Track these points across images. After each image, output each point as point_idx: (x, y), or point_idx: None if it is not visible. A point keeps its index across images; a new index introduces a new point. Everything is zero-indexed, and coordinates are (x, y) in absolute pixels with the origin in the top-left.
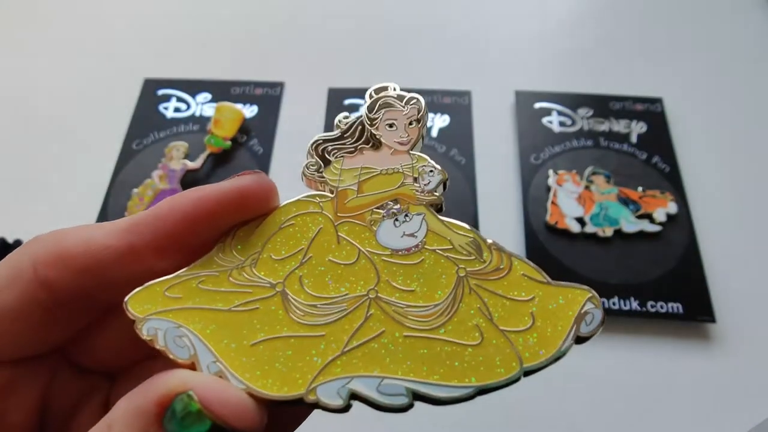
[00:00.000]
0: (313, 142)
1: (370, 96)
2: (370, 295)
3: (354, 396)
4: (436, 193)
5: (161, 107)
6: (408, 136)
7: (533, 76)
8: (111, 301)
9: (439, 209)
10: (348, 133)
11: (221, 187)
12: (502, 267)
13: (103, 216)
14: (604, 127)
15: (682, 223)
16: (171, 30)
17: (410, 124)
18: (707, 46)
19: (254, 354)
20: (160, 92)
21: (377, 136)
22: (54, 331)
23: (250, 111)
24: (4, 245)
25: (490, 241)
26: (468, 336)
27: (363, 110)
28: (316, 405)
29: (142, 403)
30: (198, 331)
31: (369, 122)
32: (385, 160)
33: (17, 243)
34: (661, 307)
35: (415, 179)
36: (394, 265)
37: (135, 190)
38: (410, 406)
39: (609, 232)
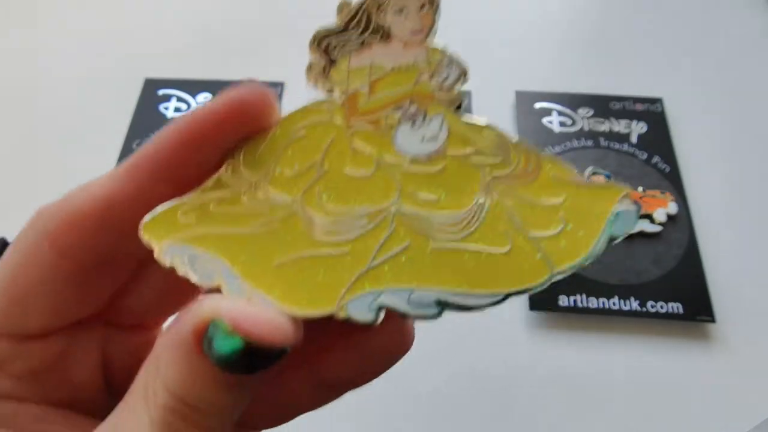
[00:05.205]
0: (315, 38)
1: None
2: (392, 208)
3: (384, 308)
4: (456, 89)
5: (161, 107)
6: (421, 23)
7: (533, 76)
8: (138, 254)
9: (459, 107)
10: (353, 24)
11: (215, 106)
12: (530, 169)
13: None
14: (604, 127)
15: (682, 223)
16: (171, 30)
17: (422, 7)
18: (707, 46)
19: (279, 274)
20: (161, 92)
21: (386, 26)
22: (91, 294)
23: None
24: (4, 245)
25: (516, 139)
26: (496, 244)
27: None
28: (348, 321)
29: (179, 335)
30: (220, 255)
31: (375, 7)
32: (397, 54)
33: None
34: (661, 307)
35: (432, 75)
36: (414, 174)
37: None
38: (440, 314)
39: None
